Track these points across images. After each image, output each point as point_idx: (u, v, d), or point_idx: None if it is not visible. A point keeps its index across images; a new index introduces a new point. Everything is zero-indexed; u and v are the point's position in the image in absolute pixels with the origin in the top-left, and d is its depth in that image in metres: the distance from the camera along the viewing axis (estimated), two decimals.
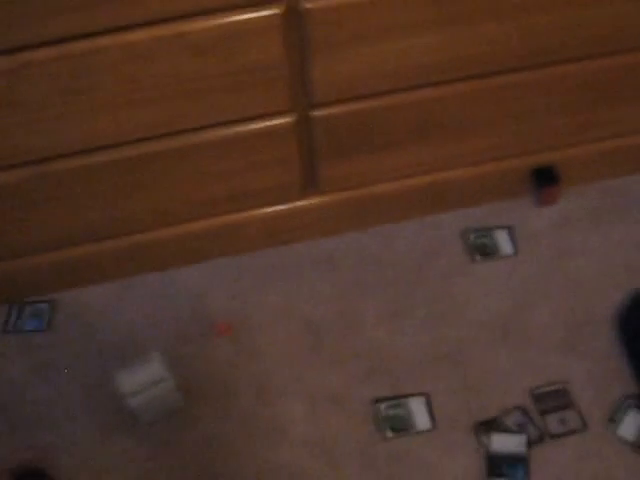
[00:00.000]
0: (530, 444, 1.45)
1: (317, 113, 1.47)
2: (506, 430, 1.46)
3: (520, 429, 1.47)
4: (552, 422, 1.48)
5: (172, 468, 1.49)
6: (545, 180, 1.74)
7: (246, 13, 1.26)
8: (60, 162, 1.44)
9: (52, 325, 1.71)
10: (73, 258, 1.69)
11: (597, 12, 1.40)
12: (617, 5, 1.40)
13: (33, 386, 1.62)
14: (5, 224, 1.56)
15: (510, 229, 1.75)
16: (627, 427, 1.47)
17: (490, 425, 1.48)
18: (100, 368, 1.62)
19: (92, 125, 1.38)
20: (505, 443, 1.45)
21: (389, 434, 1.49)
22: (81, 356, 1.65)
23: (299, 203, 1.70)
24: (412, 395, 1.53)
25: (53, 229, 1.60)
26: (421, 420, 1.50)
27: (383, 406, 1.51)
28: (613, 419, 1.48)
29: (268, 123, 1.47)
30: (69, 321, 1.72)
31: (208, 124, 1.44)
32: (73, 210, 1.56)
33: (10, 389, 1.62)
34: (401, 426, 1.49)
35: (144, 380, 1.44)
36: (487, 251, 1.72)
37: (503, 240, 1.73)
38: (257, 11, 1.26)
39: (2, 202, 1.50)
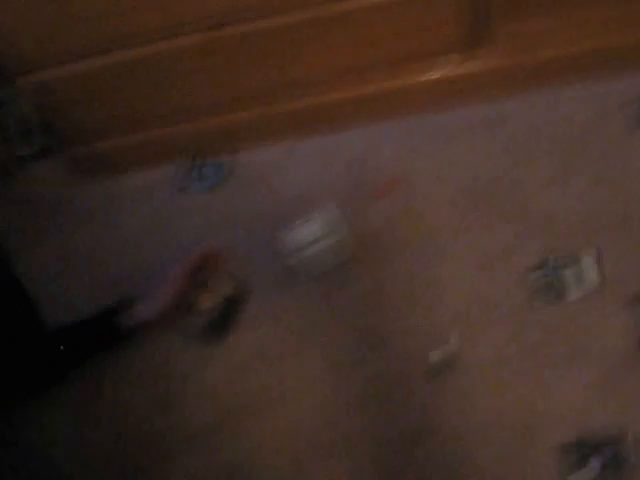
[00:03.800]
0: None
1: None
2: None
3: None
4: None
5: (334, 316, 1.58)
6: None
7: None
8: (234, 27, 1.51)
9: (229, 181, 1.81)
10: (247, 119, 1.77)
11: None
12: None
13: (211, 236, 1.74)
14: (185, 87, 1.65)
15: None
16: None
17: None
18: (273, 221, 1.64)
19: None
20: None
21: (540, 301, 1.50)
22: (255, 209, 1.74)
23: (468, 63, 1.67)
24: (569, 261, 1.52)
25: (230, 91, 1.68)
26: (574, 288, 1.50)
27: (537, 273, 1.53)
28: None
29: None
30: (243, 178, 1.81)
31: None
32: (248, 73, 1.63)
33: (188, 236, 1.75)
34: (554, 293, 1.50)
35: (316, 230, 1.52)
36: None
37: None
38: None
39: (183, 66, 1.59)
